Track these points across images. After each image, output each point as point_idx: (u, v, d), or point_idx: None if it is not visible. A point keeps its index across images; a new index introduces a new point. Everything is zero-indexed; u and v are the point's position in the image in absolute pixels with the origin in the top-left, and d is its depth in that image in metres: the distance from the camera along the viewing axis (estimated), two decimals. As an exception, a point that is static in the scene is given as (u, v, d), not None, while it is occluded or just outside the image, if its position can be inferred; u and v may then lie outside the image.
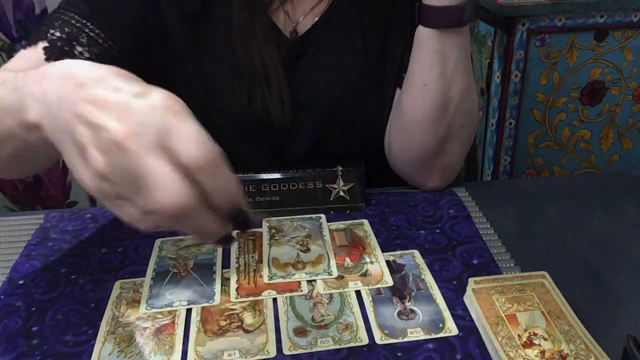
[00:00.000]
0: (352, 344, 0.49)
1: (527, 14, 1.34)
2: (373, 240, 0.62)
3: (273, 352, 0.48)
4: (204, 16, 0.67)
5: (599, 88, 1.46)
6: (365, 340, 0.49)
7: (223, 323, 0.51)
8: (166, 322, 0.51)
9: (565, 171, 1.56)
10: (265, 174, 0.68)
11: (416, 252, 0.61)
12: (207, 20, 0.68)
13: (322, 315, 0.52)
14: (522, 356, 0.46)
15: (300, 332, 0.50)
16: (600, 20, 1.38)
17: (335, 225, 0.65)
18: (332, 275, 0.57)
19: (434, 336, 0.50)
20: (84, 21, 0.62)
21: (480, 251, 0.61)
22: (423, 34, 0.64)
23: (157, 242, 0.62)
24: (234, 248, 0.61)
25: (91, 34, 0.62)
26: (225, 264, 0.59)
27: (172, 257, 0.60)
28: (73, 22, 0.61)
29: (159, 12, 0.66)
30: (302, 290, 0.55)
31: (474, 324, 0.51)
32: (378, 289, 0.55)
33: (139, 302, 0.54)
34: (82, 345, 0.50)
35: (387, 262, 0.59)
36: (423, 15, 0.63)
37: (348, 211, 0.68)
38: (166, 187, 0.36)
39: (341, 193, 0.68)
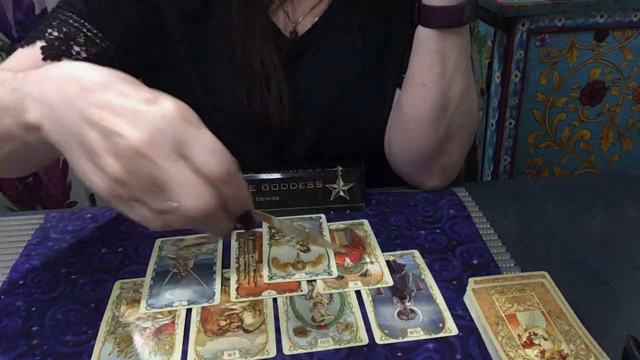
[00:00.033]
0: (352, 344, 0.49)
1: (527, 14, 1.34)
2: (373, 240, 0.62)
3: (273, 352, 0.48)
4: (204, 16, 0.67)
5: (599, 88, 1.46)
6: (365, 340, 0.49)
7: (223, 323, 0.51)
8: (166, 322, 0.51)
9: (565, 171, 1.56)
10: (265, 174, 0.68)
11: (416, 252, 0.61)
12: (207, 20, 0.68)
13: (322, 315, 0.52)
14: (522, 356, 0.46)
15: (300, 332, 0.50)
16: (600, 20, 1.38)
17: (335, 225, 0.65)
18: (332, 275, 0.57)
19: (434, 336, 0.50)
20: (82, 21, 0.62)
21: (480, 251, 0.61)
22: (423, 34, 0.64)
23: (157, 242, 0.62)
24: (234, 248, 0.61)
25: (89, 34, 0.62)
26: (225, 264, 0.59)
27: (172, 257, 0.60)
28: (71, 21, 0.61)
29: (158, 13, 0.66)
30: (302, 290, 0.55)
31: (474, 324, 0.51)
32: (378, 289, 0.55)
33: (139, 302, 0.54)
34: (82, 345, 0.50)
35: (387, 262, 0.59)
36: (423, 15, 0.63)
37: (348, 211, 0.68)
38: (191, 193, 0.37)
39: (341, 193, 0.68)
